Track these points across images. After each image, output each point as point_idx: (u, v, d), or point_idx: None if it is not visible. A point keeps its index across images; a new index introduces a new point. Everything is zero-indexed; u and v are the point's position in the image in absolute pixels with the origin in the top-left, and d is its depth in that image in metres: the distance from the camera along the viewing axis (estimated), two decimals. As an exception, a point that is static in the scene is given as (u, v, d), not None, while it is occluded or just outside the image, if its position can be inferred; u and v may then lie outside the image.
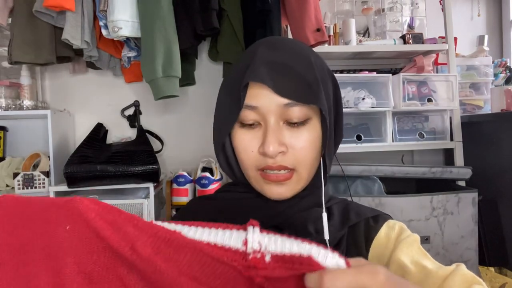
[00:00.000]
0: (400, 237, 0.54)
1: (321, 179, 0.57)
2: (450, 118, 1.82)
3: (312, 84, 0.52)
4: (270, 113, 0.51)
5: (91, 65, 1.68)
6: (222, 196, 0.62)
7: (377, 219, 0.58)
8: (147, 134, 1.70)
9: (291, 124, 0.52)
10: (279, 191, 0.54)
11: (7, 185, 1.57)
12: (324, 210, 0.55)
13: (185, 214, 0.63)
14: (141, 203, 1.44)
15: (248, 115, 0.53)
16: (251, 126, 0.54)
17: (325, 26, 1.71)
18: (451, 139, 1.80)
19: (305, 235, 0.52)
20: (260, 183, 0.54)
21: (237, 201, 0.59)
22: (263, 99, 0.51)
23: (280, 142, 0.51)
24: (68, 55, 1.48)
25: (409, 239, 0.53)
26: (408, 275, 0.49)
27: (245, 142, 0.54)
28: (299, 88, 0.51)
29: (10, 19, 1.43)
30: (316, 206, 0.57)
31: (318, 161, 0.56)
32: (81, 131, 1.76)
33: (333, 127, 0.57)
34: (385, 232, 0.56)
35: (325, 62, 0.59)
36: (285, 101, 0.51)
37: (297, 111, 0.51)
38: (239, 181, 0.60)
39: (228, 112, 0.54)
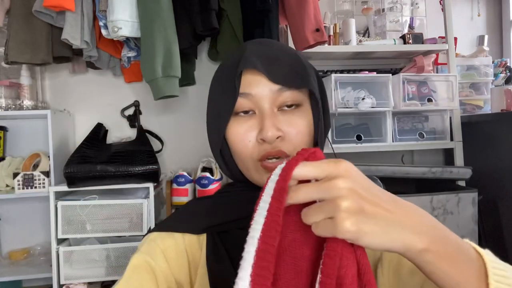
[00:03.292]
0: None
1: None
2: (450, 118, 1.82)
3: (301, 71, 0.55)
4: (264, 99, 0.53)
5: (91, 65, 1.68)
6: (218, 196, 0.62)
7: None
8: (147, 134, 1.70)
9: (284, 110, 0.54)
10: None
11: (7, 185, 1.57)
12: None
13: (182, 213, 0.63)
14: (141, 203, 1.44)
15: (242, 104, 0.54)
16: (245, 116, 0.55)
17: (325, 26, 1.71)
18: (451, 139, 1.80)
19: None
20: (261, 173, 0.54)
21: (233, 197, 0.59)
22: (256, 86, 0.53)
23: (278, 127, 0.52)
24: (66, 55, 1.48)
25: None
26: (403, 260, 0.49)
27: (241, 133, 0.54)
28: (290, 74, 0.54)
29: (6, 19, 1.43)
30: None
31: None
32: (81, 131, 1.76)
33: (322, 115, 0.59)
34: None
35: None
36: (278, 86, 0.53)
37: (290, 96, 0.54)
38: (236, 180, 0.60)
39: (224, 104, 0.55)
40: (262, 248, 0.34)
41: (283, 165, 0.39)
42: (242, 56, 0.54)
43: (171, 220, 0.62)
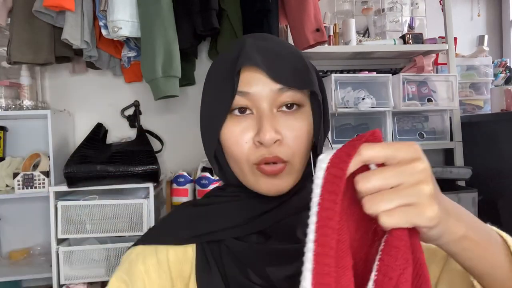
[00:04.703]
0: None
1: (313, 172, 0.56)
2: (450, 118, 1.82)
3: (303, 70, 0.51)
4: (263, 99, 0.49)
5: (91, 65, 1.68)
6: (206, 201, 0.58)
7: None
8: (147, 134, 1.70)
9: (284, 111, 0.50)
10: (275, 184, 0.50)
11: (7, 185, 1.57)
12: None
13: (168, 222, 0.59)
14: (141, 203, 1.44)
15: (239, 101, 0.50)
16: (242, 116, 0.51)
17: (325, 26, 1.71)
18: (451, 139, 1.80)
19: (294, 241, 0.50)
20: (257, 176, 0.50)
21: (225, 203, 0.56)
22: (256, 85, 0.49)
23: (276, 129, 0.49)
24: (67, 55, 1.48)
25: None
26: None
27: (237, 134, 0.50)
28: (293, 73, 0.50)
29: (9, 19, 1.43)
30: (308, 203, 0.56)
31: (309, 152, 0.53)
32: (81, 131, 1.76)
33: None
34: None
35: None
36: (279, 86, 0.49)
37: (291, 97, 0.50)
38: (230, 184, 0.57)
39: (219, 103, 0.51)
40: (319, 252, 0.30)
41: (331, 151, 0.34)
42: (241, 51, 0.50)
43: (157, 231, 0.59)
